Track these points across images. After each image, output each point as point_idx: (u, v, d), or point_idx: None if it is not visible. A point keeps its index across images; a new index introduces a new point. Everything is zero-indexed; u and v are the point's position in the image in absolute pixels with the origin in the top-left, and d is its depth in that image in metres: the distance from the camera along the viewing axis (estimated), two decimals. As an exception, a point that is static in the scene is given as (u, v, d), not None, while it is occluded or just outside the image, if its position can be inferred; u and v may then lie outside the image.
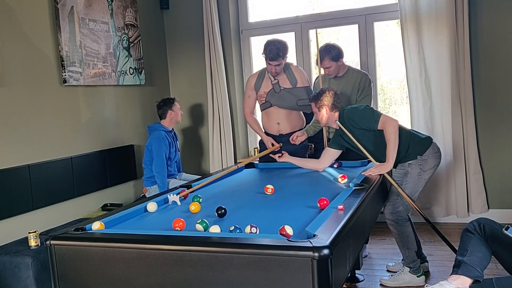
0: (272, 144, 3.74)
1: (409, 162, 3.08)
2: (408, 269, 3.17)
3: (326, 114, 3.18)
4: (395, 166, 3.08)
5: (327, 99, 3.18)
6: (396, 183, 3.08)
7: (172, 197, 2.61)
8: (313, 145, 4.14)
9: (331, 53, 3.55)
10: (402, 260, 3.26)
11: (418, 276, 3.16)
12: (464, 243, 2.38)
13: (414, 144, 3.08)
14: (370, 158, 3.13)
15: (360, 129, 3.06)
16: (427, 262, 3.38)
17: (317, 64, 3.66)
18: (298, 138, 3.68)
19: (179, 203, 2.58)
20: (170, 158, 4.12)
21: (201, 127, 5.29)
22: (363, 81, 3.65)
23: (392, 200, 3.14)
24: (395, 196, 3.12)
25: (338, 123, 3.22)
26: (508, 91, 4.16)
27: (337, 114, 3.17)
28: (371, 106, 3.69)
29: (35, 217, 3.55)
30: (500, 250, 2.34)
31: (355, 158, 3.48)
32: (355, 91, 3.66)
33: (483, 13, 4.15)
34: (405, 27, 4.25)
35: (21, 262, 2.94)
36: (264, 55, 3.62)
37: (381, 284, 3.20)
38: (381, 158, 3.09)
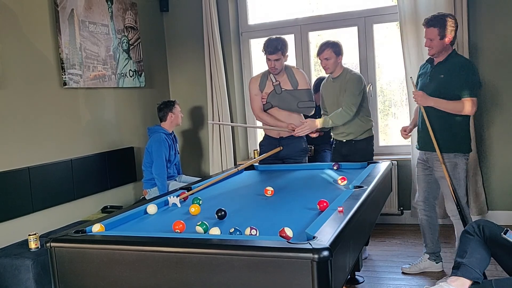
0: (293, 130, 3.64)
1: (456, 153, 3.13)
2: (428, 256, 3.32)
3: (445, 44, 3.06)
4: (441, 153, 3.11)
5: (453, 29, 3.04)
6: (449, 175, 3.11)
7: (172, 199, 2.61)
8: (313, 147, 4.15)
9: (333, 46, 3.55)
10: (425, 246, 3.36)
11: (436, 263, 3.33)
12: (463, 245, 2.38)
13: (466, 141, 3.15)
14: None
15: (452, 81, 3.04)
16: (442, 261, 3.43)
17: (317, 55, 3.64)
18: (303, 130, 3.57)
19: (179, 205, 2.59)
20: (170, 161, 4.13)
21: (201, 129, 5.30)
22: (350, 79, 3.55)
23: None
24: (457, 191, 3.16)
25: (411, 78, 3.30)
26: (508, 92, 4.16)
27: (450, 50, 3.10)
28: (369, 108, 3.70)
29: (35, 219, 3.55)
30: (500, 252, 2.34)
31: (355, 160, 3.49)
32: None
33: (483, 14, 4.15)
34: (405, 29, 4.26)
35: (21, 265, 2.94)
36: (263, 51, 3.64)
37: (402, 272, 3.37)
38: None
